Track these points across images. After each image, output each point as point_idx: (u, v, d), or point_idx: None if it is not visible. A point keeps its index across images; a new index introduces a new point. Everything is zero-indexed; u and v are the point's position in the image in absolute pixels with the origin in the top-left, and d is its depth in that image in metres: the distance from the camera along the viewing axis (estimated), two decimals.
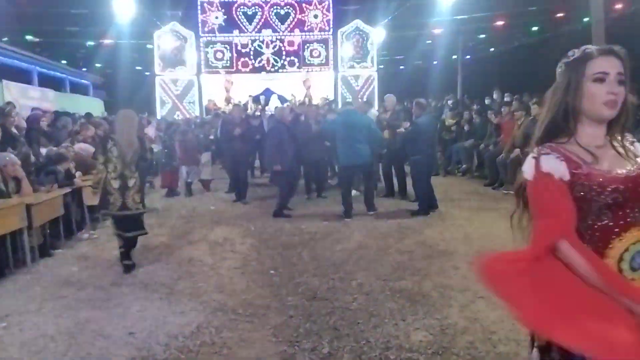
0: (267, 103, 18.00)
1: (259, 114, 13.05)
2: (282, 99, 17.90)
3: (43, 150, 6.68)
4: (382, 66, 19.47)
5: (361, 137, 6.33)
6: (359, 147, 6.32)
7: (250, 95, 18.10)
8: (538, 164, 1.37)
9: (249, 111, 14.62)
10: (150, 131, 10.11)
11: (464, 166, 9.67)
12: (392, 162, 7.67)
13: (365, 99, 13.03)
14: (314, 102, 16.15)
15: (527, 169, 1.40)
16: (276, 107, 8.97)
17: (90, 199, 5.84)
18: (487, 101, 11.03)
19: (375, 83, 16.93)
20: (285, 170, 6.78)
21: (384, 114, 7.80)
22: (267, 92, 18.57)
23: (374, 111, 8.72)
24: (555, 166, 1.36)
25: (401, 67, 23.66)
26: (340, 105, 14.65)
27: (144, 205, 4.85)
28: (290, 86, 18.24)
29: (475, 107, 10.59)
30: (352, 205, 6.51)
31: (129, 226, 4.69)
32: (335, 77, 16.91)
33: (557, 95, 1.44)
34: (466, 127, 9.81)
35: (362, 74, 16.90)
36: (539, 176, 1.36)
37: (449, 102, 12.11)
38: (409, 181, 7.24)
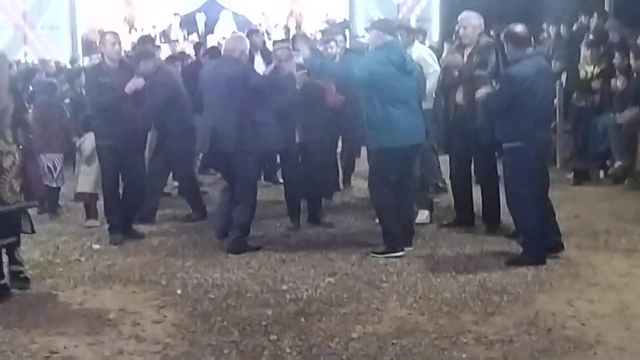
0: (210, 29, 17.94)
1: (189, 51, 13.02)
2: (241, 22, 17.81)
3: None
4: None
5: (413, 96, 6.87)
6: (412, 115, 6.80)
7: (175, 14, 17.97)
8: None
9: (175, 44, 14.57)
10: None
11: (617, 163, 9.65)
12: (468, 157, 7.69)
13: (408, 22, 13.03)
14: (308, 30, 16.17)
15: None
16: (230, 37, 8.92)
17: None
18: None
19: None
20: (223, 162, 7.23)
21: (456, 53, 7.79)
22: (211, 8, 18.46)
23: (421, 48, 8.63)
24: None
25: None
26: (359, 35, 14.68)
27: (31, 196, 5.75)
28: None
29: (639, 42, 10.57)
30: (397, 229, 6.89)
31: (3, 229, 5.65)
32: None
33: None
34: (620, 83, 9.80)
35: None
36: None
37: (586, 33, 12.09)
38: (502, 196, 7.22)
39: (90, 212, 8.45)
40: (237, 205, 7.21)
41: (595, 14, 12.65)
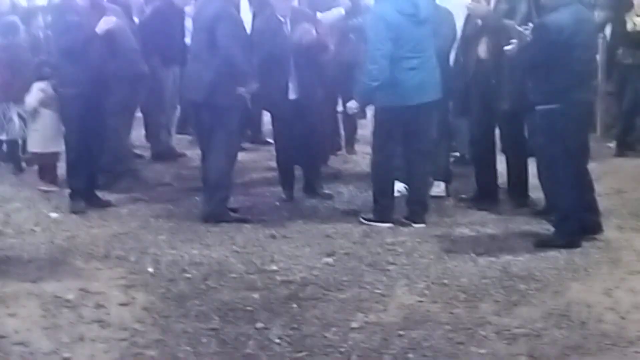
0: None
1: None
2: None
3: None
4: None
5: (426, 49, 6.93)
6: (422, 69, 6.80)
7: None
8: None
9: None
10: None
11: None
12: (492, 121, 7.68)
13: None
14: None
15: None
16: None
17: None
18: None
19: None
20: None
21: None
22: None
23: None
24: None
25: None
26: None
27: None
28: None
29: None
30: (394, 200, 7.16)
31: None
32: None
33: None
34: None
35: None
36: None
37: None
38: (531, 166, 7.25)
39: (46, 175, 8.41)
40: (209, 164, 7.22)
41: None
